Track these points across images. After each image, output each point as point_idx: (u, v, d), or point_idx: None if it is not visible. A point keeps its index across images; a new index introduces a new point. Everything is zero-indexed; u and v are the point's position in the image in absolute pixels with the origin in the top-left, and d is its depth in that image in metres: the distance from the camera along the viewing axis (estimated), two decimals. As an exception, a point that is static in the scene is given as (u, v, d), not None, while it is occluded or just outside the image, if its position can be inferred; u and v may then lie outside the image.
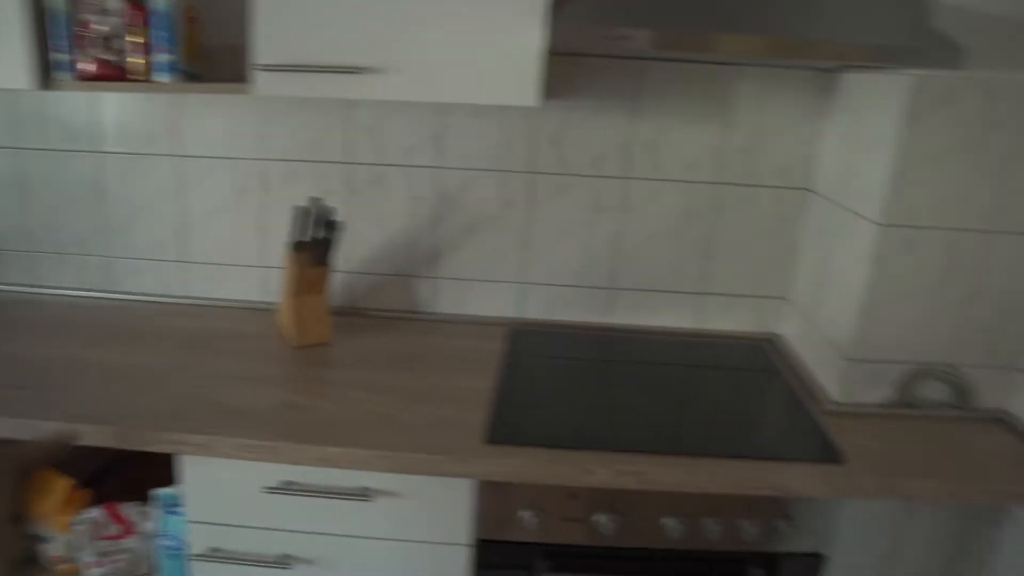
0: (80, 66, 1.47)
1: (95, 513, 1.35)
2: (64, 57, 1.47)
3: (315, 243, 1.62)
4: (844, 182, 1.54)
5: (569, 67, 1.66)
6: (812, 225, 1.70)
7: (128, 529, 1.37)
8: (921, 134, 1.31)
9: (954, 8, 1.27)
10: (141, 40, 1.45)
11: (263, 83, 1.37)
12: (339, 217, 1.71)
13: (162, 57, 1.45)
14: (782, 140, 1.70)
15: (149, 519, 1.37)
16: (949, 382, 1.45)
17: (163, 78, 1.46)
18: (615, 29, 1.15)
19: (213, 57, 1.61)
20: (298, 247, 1.60)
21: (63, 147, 1.83)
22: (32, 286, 1.94)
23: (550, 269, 1.82)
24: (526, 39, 1.32)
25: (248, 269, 1.87)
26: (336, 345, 1.66)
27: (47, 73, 1.48)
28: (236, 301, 1.89)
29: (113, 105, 1.78)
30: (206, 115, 1.76)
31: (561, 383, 1.53)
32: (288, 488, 1.29)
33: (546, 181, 1.75)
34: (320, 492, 1.29)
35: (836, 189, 1.58)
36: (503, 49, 1.33)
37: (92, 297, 1.91)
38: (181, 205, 1.84)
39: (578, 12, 1.20)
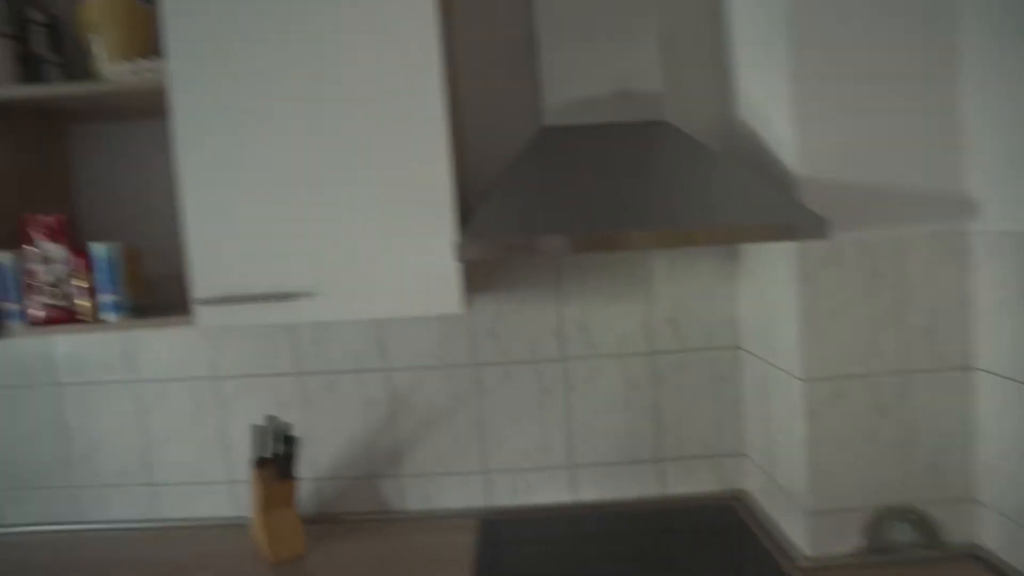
0: (31, 312, 1.54)
1: None
2: (14, 307, 1.54)
3: (277, 458, 1.64)
4: (765, 340, 1.60)
5: (493, 267, 1.76)
6: (749, 381, 1.74)
7: None
8: (816, 292, 1.39)
9: (817, 181, 1.38)
10: (86, 284, 1.53)
11: (204, 315, 1.45)
12: (296, 431, 1.74)
13: (107, 298, 1.53)
14: (704, 306, 1.78)
15: None
16: (912, 522, 1.44)
17: (110, 317, 1.53)
18: (527, 239, 1.23)
19: (158, 285, 1.70)
20: (261, 463, 1.63)
21: (17, 383, 1.88)
22: (-3, 526, 1.93)
23: (509, 455, 1.83)
24: (442, 254, 1.41)
25: (216, 486, 1.87)
26: (311, 557, 1.65)
27: (0, 323, 1.55)
28: (208, 519, 1.88)
29: (66, 340, 1.85)
30: (157, 340, 1.83)
31: (535, 570, 1.51)
32: None
33: (491, 371, 1.80)
34: None
35: (761, 346, 1.63)
36: (423, 265, 1.42)
37: (57, 531, 1.90)
38: (143, 429, 1.87)
39: (486, 224, 1.29)
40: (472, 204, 1.70)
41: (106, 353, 1.85)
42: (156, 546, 1.77)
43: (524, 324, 1.78)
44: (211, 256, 1.44)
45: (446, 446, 1.83)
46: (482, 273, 1.76)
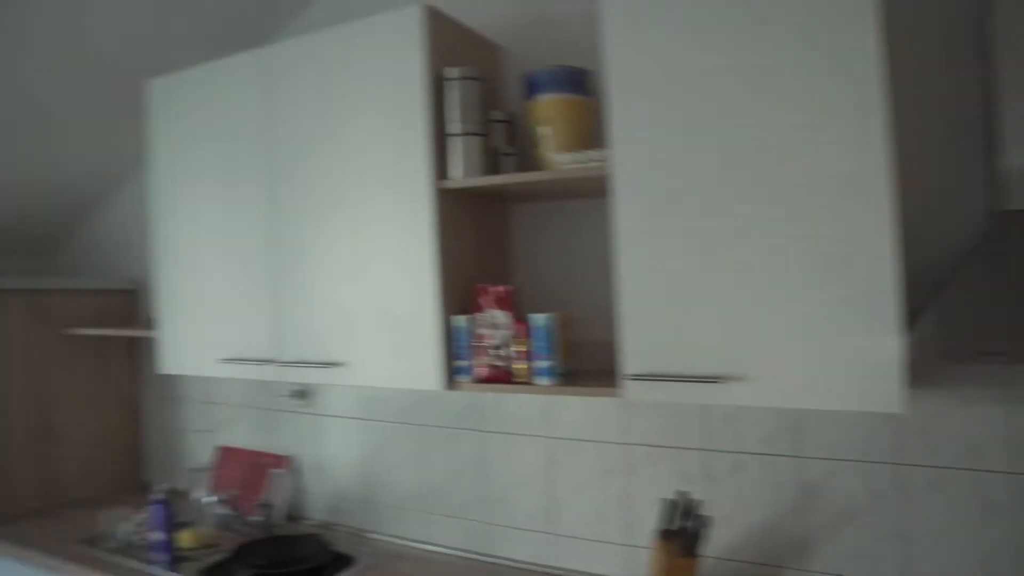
0: (476, 369, 1.77)
1: None
2: (464, 363, 1.79)
3: (682, 533, 1.67)
4: None
5: (940, 366, 1.59)
6: None
7: None
8: None
9: None
10: (524, 349, 1.72)
11: (631, 390, 1.53)
12: (705, 511, 1.76)
13: (541, 363, 1.69)
14: None
15: None
16: None
17: (542, 381, 1.69)
18: (982, 344, 1.12)
19: (582, 351, 1.84)
20: (666, 535, 1.67)
21: (454, 426, 2.17)
22: (423, 542, 2.25)
23: (934, 568, 1.63)
24: (884, 351, 1.32)
25: (614, 546, 1.96)
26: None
27: (451, 376, 1.81)
28: (601, 576, 1.98)
29: (497, 396, 2.09)
30: (573, 402, 1.98)
31: None
32: None
33: (917, 474, 1.63)
34: None
35: None
36: (861, 360, 1.33)
37: (470, 558, 2.14)
38: (551, 481, 2.03)
39: (943, 325, 1.19)
40: (914, 296, 1.58)
41: (528, 409, 2.05)
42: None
43: (963, 427, 1.59)
44: (642, 332, 1.52)
45: (860, 547, 1.70)
46: (926, 372, 1.61)
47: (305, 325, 2.01)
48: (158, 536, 2.20)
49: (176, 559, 2.19)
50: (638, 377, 1.51)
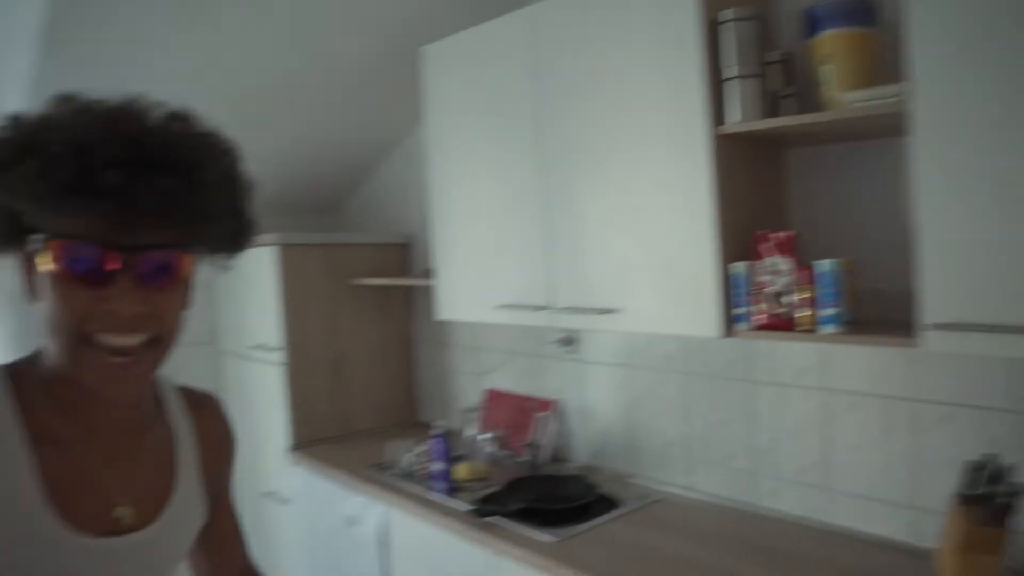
0: (754, 317, 1.75)
1: None
2: (742, 310, 1.77)
3: (989, 501, 1.54)
4: None
5: None
6: None
7: None
8: None
9: None
10: (808, 296, 1.66)
11: (933, 341, 1.43)
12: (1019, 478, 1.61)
13: (827, 311, 1.63)
14: None
15: None
16: None
17: (828, 329, 1.63)
18: None
19: (865, 300, 1.75)
20: (967, 501, 1.55)
21: (724, 375, 2.15)
22: (686, 488, 2.27)
23: None
24: None
25: (896, 508, 1.86)
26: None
27: (729, 324, 1.80)
28: (880, 538, 1.88)
29: (769, 344, 2.04)
30: (854, 353, 1.89)
31: None
32: None
33: None
34: None
35: None
36: None
37: (735, 507, 2.14)
38: (827, 435, 1.96)
39: None
40: None
41: (803, 360, 1.99)
42: (821, 547, 1.85)
43: None
44: (947, 279, 1.41)
45: None
46: None
47: (578, 273, 2.08)
48: (438, 466, 2.41)
49: (453, 488, 2.40)
50: (942, 327, 1.41)
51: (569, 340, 2.63)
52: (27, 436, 0.81)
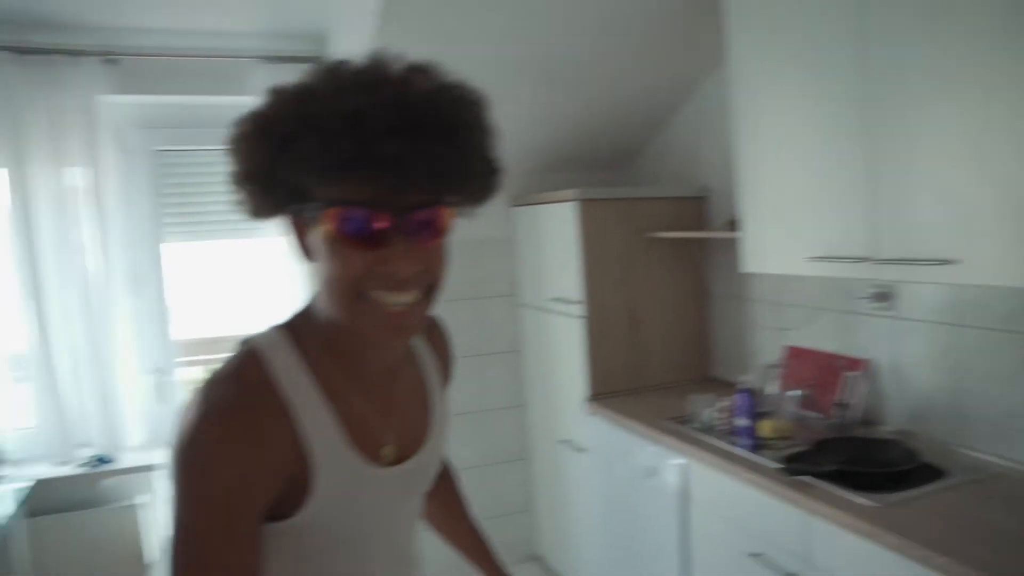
0: None
1: None
2: None
3: None
4: None
5: None
6: None
7: None
8: None
9: None
10: None
11: None
12: None
13: None
14: None
15: None
16: None
17: None
18: None
19: None
20: None
21: None
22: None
23: None
24: None
25: None
26: None
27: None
28: None
29: None
30: None
31: None
32: None
33: None
34: None
35: None
36: None
37: None
38: None
39: None
40: None
41: None
42: None
43: None
44: None
45: None
46: None
47: (906, 219, 1.90)
48: (742, 422, 2.37)
49: (757, 444, 2.34)
50: None
51: (883, 295, 2.43)
52: (321, 389, 0.92)
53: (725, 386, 3.12)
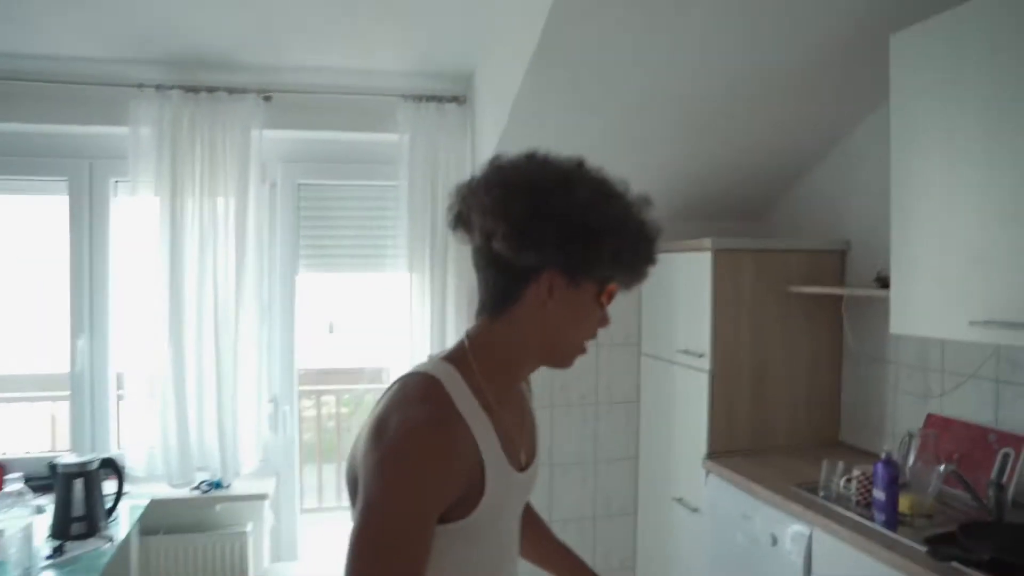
0: None
1: None
2: None
3: None
4: None
5: None
6: None
7: None
8: None
9: None
10: None
11: None
12: None
13: None
14: None
15: None
16: None
17: None
18: None
19: None
20: None
21: None
22: None
23: None
24: None
25: None
26: None
27: None
28: None
29: None
30: None
31: None
32: None
33: None
34: None
35: None
36: None
37: None
38: None
39: None
40: None
41: None
42: None
43: None
44: None
45: None
46: None
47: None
48: (879, 494, 2.19)
49: (895, 520, 2.16)
50: None
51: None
52: (482, 408, 1.13)
53: (856, 453, 2.94)
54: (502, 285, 1.15)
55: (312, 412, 4.40)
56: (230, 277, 3.11)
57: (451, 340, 3.22)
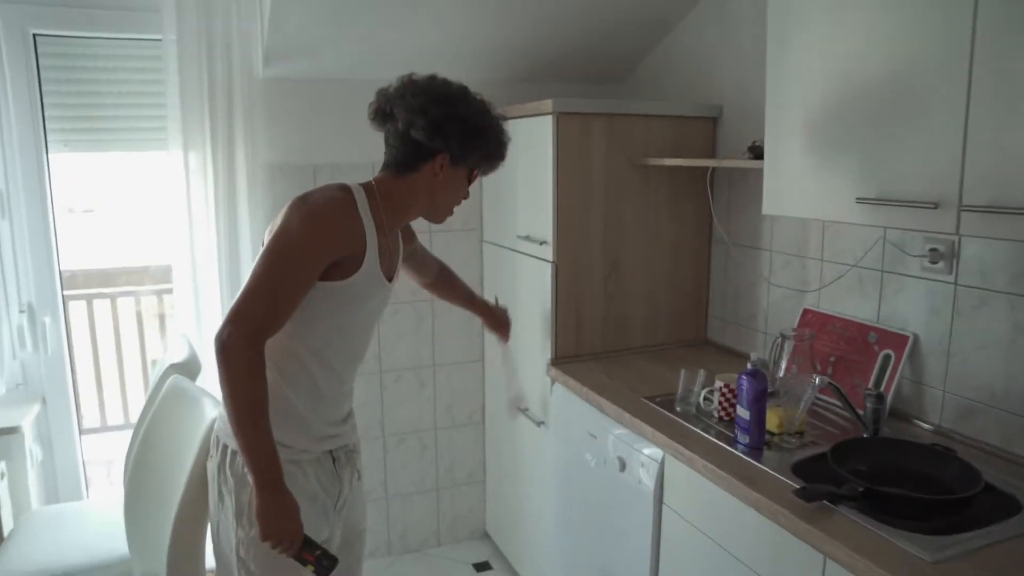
0: None
1: None
2: None
3: None
4: None
5: None
6: None
7: None
8: None
9: None
10: None
11: None
12: None
13: None
14: None
15: None
16: None
17: None
18: None
19: None
20: None
21: None
22: None
23: None
24: None
25: None
26: None
27: None
28: None
29: None
30: None
31: None
32: None
33: None
34: None
35: None
36: None
37: None
38: None
39: None
40: None
41: None
42: None
43: None
44: None
45: None
46: None
47: (1015, 153, 1.29)
48: (743, 413, 1.80)
49: (760, 443, 1.79)
50: None
51: (943, 253, 1.83)
52: (375, 224, 1.61)
53: (724, 354, 2.57)
54: (409, 158, 1.61)
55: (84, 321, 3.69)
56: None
57: (245, 232, 2.64)
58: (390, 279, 1.69)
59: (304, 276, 1.48)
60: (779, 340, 2.06)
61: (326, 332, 1.60)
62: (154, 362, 3.53)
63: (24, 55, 2.58)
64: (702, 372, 2.05)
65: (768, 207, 1.88)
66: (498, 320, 2.23)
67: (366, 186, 1.63)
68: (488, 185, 2.95)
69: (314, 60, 2.63)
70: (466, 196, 1.71)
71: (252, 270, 1.47)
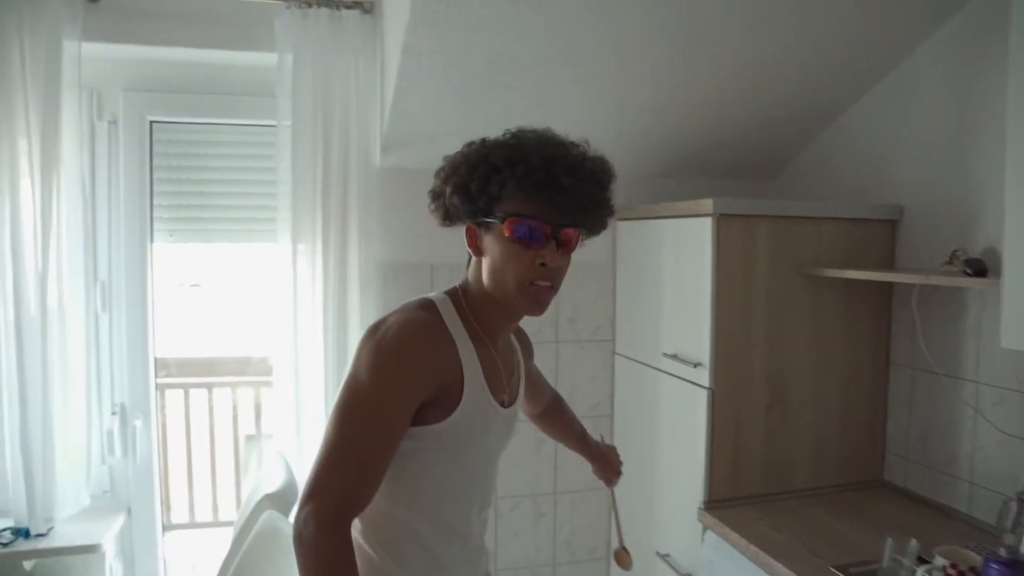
0: None
1: None
2: None
3: None
4: None
5: None
6: None
7: None
8: None
9: None
10: None
11: None
12: None
13: None
14: None
15: None
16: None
17: None
18: None
19: None
20: None
21: None
22: None
23: None
24: None
25: None
26: None
27: None
28: None
29: None
30: None
31: None
32: None
33: None
34: None
35: None
36: None
37: None
38: None
39: None
40: None
41: None
42: None
43: None
44: None
45: None
46: None
47: None
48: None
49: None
50: None
51: None
52: (471, 339, 1.30)
53: (907, 500, 2.15)
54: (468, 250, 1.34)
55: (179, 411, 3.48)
56: (28, 250, 2.20)
57: (354, 330, 2.40)
58: (504, 404, 1.35)
59: (386, 434, 1.17)
60: (1014, 503, 1.62)
61: (435, 486, 1.29)
62: (248, 437, 3.30)
63: (139, 143, 2.47)
64: (914, 542, 1.62)
65: (1009, 339, 1.48)
66: (611, 464, 1.80)
67: (451, 293, 1.34)
68: (623, 289, 2.64)
69: (435, 148, 2.42)
70: (542, 261, 1.22)
71: (325, 430, 1.18)
